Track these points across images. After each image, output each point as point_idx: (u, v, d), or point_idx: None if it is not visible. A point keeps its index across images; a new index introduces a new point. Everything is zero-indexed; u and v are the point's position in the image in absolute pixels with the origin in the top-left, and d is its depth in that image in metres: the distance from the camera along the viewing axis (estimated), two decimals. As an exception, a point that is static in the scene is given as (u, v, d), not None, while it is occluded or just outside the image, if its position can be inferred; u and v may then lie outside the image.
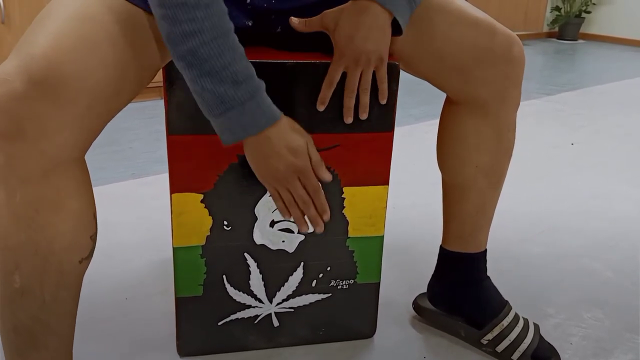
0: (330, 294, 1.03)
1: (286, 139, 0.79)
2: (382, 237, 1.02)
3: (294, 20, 0.85)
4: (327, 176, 0.83)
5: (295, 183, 0.81)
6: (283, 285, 1.01)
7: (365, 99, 0.88)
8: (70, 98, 0.67)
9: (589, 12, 5.41)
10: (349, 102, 0.88)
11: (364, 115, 0.89)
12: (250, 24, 0.87)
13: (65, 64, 0.66)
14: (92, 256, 0.80)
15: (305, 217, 0.84)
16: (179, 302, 0.98)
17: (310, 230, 0.85)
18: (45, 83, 0.65)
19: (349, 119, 0.89)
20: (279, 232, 0.97)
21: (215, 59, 0.72)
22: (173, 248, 0.95)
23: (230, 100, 0.73)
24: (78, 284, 0.80)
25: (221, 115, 0.75)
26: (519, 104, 0.97)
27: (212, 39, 0.71)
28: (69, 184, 0.73)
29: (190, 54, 0.72)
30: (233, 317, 1.01)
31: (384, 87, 0.88)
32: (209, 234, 0.94)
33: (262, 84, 0.76)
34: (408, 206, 1.68)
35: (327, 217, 0.85)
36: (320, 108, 0.88)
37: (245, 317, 1.02)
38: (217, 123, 0.76)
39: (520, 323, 1.05)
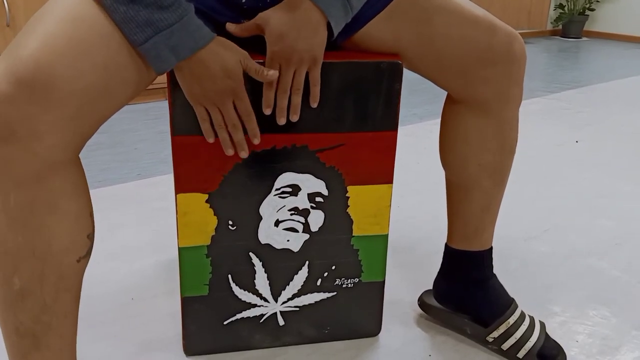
0: (335, 293, 1.03)
1: (220, 60, 0.76)
2: (387, 235, 1.02)
3: (230, 26, 0.82)
4: (272, 73, 0.80)
5: (228, 104, 0.80)
6: (288, 285, 1.01)
7: (297, 100, 0.84)
8: (60, 100, 0.66)
9: (592, 10, 5.40)
10: (282, 103, 0.84)
11: (294, 117, 0.85)
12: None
13: (54, 66, 0.65)
14: (90, 255, 0.80)
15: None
16: (185, 301, 0.98)
17: (231, 153, 0.84)
18: (33, 85, 0.64)
19: (281, 120, 0.85)
20: (284, 231, 0.97)
21: None
22: (178, 248, 0.95)
23: (157, 23, 0.70)
24: (78, 283, 0.80)
25: (146, 41, 0.71)
26: (520, 101, 0.97)
27: None
28: (64, 185, 0.72)
29: None
30: (239, 316, 1.02)
31: (316, 89, 0.85)
32: (214, 233, 0.95)
33: (191, 6, 0.73)
34: (412, 205, 1.68)
35: (257, 141, 0.85)
36: (267, 112, 0.84)
37: (251, 316, 1.02)
38: (144, 51, 0.72)
39: (526, 321, 1.05)
